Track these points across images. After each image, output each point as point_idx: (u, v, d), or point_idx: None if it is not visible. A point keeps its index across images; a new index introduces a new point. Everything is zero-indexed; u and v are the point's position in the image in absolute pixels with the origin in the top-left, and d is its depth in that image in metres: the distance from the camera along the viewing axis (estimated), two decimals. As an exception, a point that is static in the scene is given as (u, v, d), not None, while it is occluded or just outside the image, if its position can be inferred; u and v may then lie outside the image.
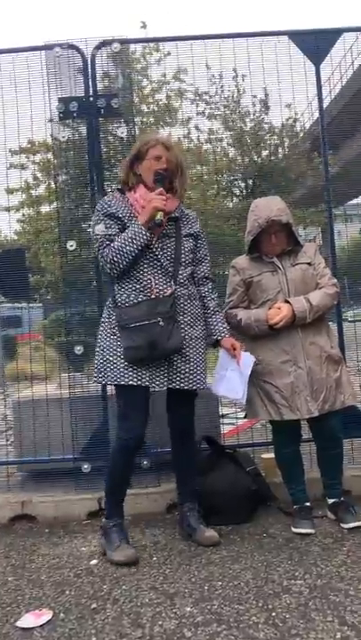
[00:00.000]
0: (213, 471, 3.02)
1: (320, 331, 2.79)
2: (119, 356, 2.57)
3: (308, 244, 2.93)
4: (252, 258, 2.88)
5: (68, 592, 2.30)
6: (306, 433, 2.95)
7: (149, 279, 2.59)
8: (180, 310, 2.63)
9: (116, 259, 2.57)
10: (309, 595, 2.12)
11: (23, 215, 8.39)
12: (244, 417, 3.01)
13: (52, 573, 2.50)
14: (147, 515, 3.10)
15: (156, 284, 2.59)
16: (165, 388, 2.62)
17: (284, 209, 2.79)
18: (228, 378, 2.78)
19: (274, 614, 2.01)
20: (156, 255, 2.61)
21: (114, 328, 2.61)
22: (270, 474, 3.20)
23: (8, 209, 5.28)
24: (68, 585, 2.37)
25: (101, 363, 2.63)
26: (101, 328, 2.69)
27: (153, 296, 2.57)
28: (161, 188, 2.59)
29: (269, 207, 2.78)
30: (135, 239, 2.55)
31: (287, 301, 2.72)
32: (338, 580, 2.22)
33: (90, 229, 2.68)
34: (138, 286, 2.60)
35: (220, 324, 2.77)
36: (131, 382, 2.56)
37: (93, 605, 2.17)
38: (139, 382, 2.56)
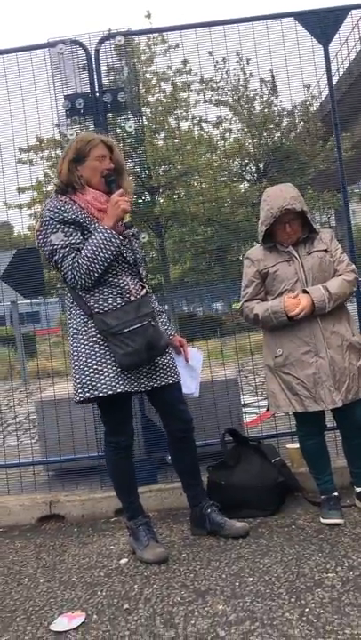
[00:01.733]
0: (239, 464, 3.01)
1: (340, 319, 2.75)
2: (110, 364, 2.45)
3: (323, 230, 2.87)
4: (266, 248, 2.83)
5: (99, 593, 2.32)
6: (330, 421, 2.91)
7: (125, 281, 2.53)
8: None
9: (91, 267, 2.43)
10: (342, 588, 2.10)
11: (35, 212, 8.41)
12: (267, 409, 2.98)
13: (82, 574, 2.52)
14: (173, 509, 3.11)
15: (133, 286, 2.54)
16: (150, 388, 2.57)
17: (297, 196, 2.74)
18: (181, 373, 2.73)
19: (307, 610, 1.99)
20: (125, 257, 2.54)
21: (95, 336, 2.47)
22: (296, 464, 3.18)
23: (20, 206, 5.28)
24: (99, 585, 2.38)
25: (88, 374, 2.46)
26: (77, 339, 2.50)
27: (132, 298, 2.51)
28: (121, 190, 2.50)
29: (282, 196, 2.72)
30: (108, 245, 2.44)
31: (305, 291, 2.67)
32: (370, 572, 2.20)
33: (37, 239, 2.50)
34: (114, 290, 2.50)
35: (166, 324, 2.75)
36: (126, 389, 2.47)
37: (126, 606, 2.18)
38: (129, 389, 2.48)
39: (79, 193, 2.53)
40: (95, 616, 2.14)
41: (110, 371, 2.45)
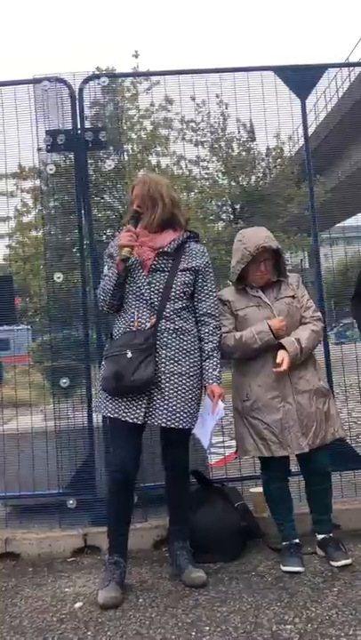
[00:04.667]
0: (202, 507, 2.97)
1: (307, 365, 2.78)
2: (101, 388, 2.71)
3: (291, 275, 2.93)
4: (237, 290, 2.87)
5: (50, 639, 2.23)
6: (294, 466, 2.91)
7: (134, 312, 2.65)
8: (162, 344, 2.61)
9: (100, 296, 2.74)
10: (299, 641, 2.07)
11: (11, 240, 8.37)
12: (235, 452, 2.98)
13: (34, 618, 2.42)
14: (133, 551, 3.01)
15: (138, 317, 2.63)
16: (140, 422, 2.59)
17: (271, 236, 2.82)
18: (207, 422, 2.72)
19: (263, 664, 1.96)
20: (141, 290, 2.64)
21: (103, 360, 2.73)
22: (259, 509, 3.15)
23: (2, 236, 5.26)
24: (50, 632, 2.29)
25: (97, 392, 2.78)
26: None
27: (134, 328, 2.62)
28: (129, 226, 2.63)
29: (258, 235, 2.80)
30: (111, 277, 2.67)
31: (281, 345, 2.69)
32: (328, 625, 2.17)
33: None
34: (126, 320, 2.67)
35: (210, 370, 2.70)
36: (109, 414, 2.64)
37: (77, 655, 2.11)
38: (115, 414, 2.61)
39: None
40: (44, 665, 2.06)
41: (103, 393, 2.67)
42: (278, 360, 2.67)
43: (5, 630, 2.33)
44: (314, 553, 2.83)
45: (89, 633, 2.26)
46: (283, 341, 2.69)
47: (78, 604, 2.52)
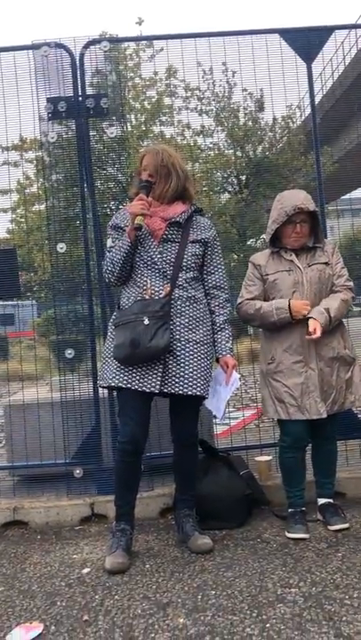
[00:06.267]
0: (207, 475, 2.99)
1: (334, 332, 2.77)
2: (113, 357, 2.61)
3: (327, 242, 2.91)
4: (271, 253, 2.85)
5: (59, 603, 2.27)
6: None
7: (146, 281, 2.62)
8: (177, 312, 2.61)
9: (109, 268, 2.66)
10: (304, 604, 2.10)
11: (15, 213, 8.31)
12: (255, 414, 3.00)
13: (43, 583, 2.47)
14: (139, 519, 3.05)
15: (151, 286, 2.61)
16: (157, 391, 2.58)
17: (309, 199, 2.79)
18: (218, 393, 2.74)
19: (268, 625, 1.98)
20: (153, 259, 2.62)
21: (112, 329, 2.67)
22: (264, 477, 3.18)
23: (5, 210, 5.19)
24: (59, 595, 2.34)
25: (102, 364, 2.71)
26: (108, 331, 2.75)
27: (147, 297, 2.60)
28: (141, 194, 2.60)
29: (296, 196, 2.78)
30: (121, 247, 2.61)
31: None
32: (333, 588, 2.19)
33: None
34: (137, 289, 2.64)
35: (223, 342, 2.72)
36: (120, 384, 2.58)
37: (85, 617, 2.14)
38: (128, 385, 2.57)
39: None
40: (53, 627, 2.09)
41: (113, 363, 2.61)
42: (311, 329, 2.66)
43: (15, 594, 2.38)
44: (318, 520, 2.85)
45: (97, 597, 2.30)
46: (312, 313, 2.68)
47: (86, 570, 2.56)
